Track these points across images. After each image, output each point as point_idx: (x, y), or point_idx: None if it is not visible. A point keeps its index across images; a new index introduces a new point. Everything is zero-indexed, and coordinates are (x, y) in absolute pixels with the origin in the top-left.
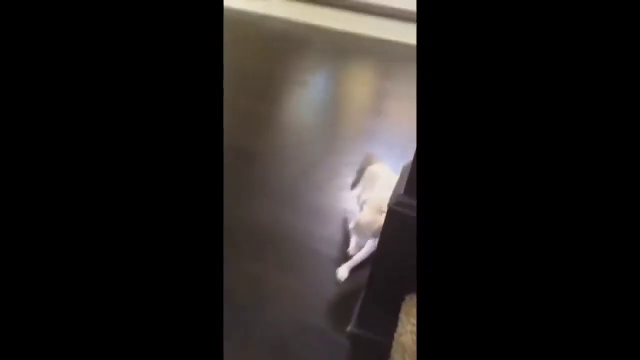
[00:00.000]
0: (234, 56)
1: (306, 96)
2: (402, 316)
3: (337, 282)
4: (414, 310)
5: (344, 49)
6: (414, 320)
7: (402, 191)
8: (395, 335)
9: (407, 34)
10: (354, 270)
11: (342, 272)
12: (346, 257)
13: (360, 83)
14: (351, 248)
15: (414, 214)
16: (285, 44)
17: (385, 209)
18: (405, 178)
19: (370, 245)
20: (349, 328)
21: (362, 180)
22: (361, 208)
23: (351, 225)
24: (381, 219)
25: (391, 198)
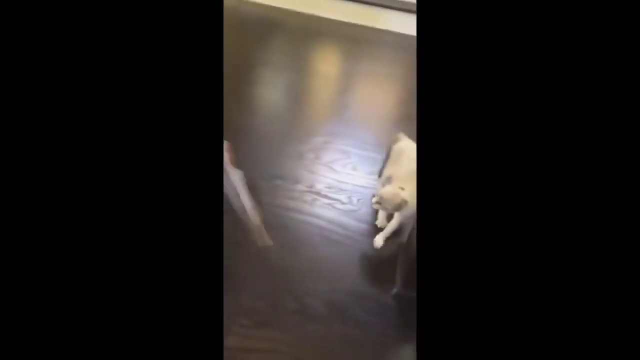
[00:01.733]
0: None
1: (286, 80)
2: None
3: (373, 250)
4: None
5: (314, 32)
6: None
7: None
8: None
9: (376, 20)
10: (386, 240)
11: (379, 241)
12: (375, 229)
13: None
14: (379, 221)
15: None
16: (261, 28)
17: (410, 183)
18: None
19: (399, 216)
20: (394, 290)
21: (390, 158)
22: (384, 183)
23: (374, 200)
24: (402, 193)
25: None
